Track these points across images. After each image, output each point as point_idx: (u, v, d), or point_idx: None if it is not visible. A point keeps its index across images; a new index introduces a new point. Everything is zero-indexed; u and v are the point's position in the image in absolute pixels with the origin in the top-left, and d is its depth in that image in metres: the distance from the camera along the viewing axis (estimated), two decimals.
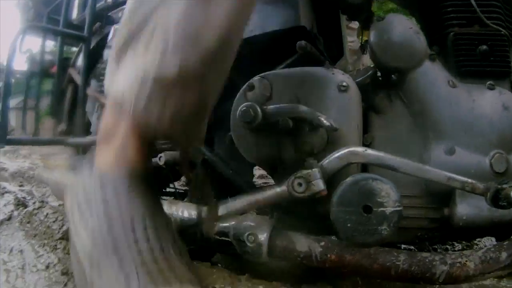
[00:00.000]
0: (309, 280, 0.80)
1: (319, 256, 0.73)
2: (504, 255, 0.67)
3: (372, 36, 0.82)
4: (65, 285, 0.88)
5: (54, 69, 1.35)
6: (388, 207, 0.56)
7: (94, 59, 1.23)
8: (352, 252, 0.71)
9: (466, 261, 0.68)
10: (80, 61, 1.34)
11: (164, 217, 0.64)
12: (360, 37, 1.07)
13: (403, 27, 0.80)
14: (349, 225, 0.57)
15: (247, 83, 0.82)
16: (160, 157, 0.94)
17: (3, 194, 1.35)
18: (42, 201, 1.17)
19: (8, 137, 1.01)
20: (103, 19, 1.19)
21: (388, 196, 0.57)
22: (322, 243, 0.73)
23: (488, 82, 0.80)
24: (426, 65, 0.81)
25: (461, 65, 0.83)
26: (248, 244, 0.75)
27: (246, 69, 0.92)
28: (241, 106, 0.77)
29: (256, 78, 0.81)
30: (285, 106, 0.76)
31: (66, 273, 0.90)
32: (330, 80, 0.77)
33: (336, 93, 0.77)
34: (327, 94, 0.77)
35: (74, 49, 1.45)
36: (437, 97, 0.79)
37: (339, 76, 0.78)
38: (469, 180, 0.68)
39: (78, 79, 1.27)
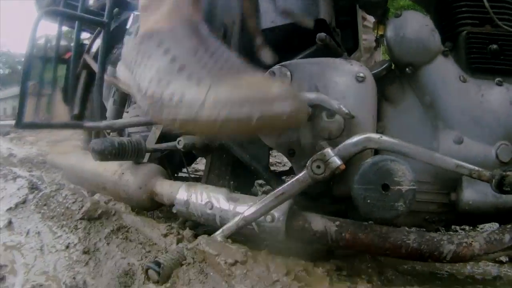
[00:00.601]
0: (323, 257, 0.86)
1: (334, 235, 0.79)
2: (507, 237, 0.74)
3: (389, 31, 0.88)
4: (87, 263, 0.93)
5: (68, 55, 1.40)
6: (404, 185, 0.62)
7: (110, 45, 1.28)
8: (366, 232, 0.78)
9: (472, 241, 0.74)
10: (95, 47, 1.39)
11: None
12: (376, 31, 1.13)
13: (419, 24, 0.87)
14: (368, 201, 0.63)
15: (267, 71, 0.87)
16: (179, 140, 0.99)
17: (15, 178, 1.39)
18: (59, 183, 1.21)
19: (24, 121, 1.05)
20: (121, 4, 1.24)
21: (404, 175, 0.63)
22: (337, 223, 0.80)
23: (497, 79, 0.87)
24: (439, 60, 0.87)
25: (472, 62, 0.89)
26: (267, 223, 0.81)
27: (264, 60, 0.98)
28: None
29: (277, 66, 0.87)
30: (304, 94, 0.82)
31: (87, 252, 0.95)
32: (348, 70, 0.84)
33: (354, 83, 0.83)
34: (345, 84, 0.83)
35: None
36: (448, 91, 0.85)
37: (357, 67, 0.84)
38: (476, 168, 0.74)
39: (93, 65, 1.32)
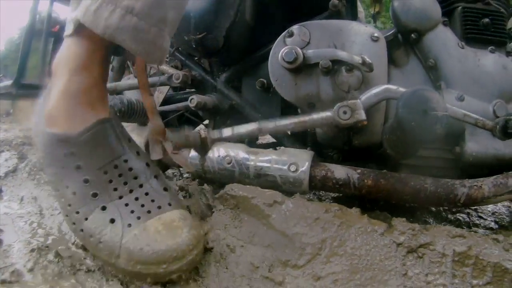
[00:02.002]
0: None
1: (357, 182, 0.85)
2: (511, 181, 0.84)
3: (396, 1, 0.99)
4: None
5: (56, 29, 1.38)
6: (440, 111, 0.71)
7: None
8: (386, 178, 0.85)
9: (482, 184, 0.84)
10: None
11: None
12: (373, 8, 1.25)
13: None
14: (412, 123, 0.70)
15: (286, 30, 0.94)
16: (192, 99, 1.01)
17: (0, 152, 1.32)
18: None
19: (23, 82, 1.03)
20: None
21: (438, 103, 0.71)
22: (359, 171, 0.86)
23: (490, 47, 1.00)
24: (440, 28, 0.99)
25: (467, 32, 1.02)
26: (290, 173, 0.86)
27: (275, 23, 1.05)
28: (283, 49, 0.90)
29: (296, 26, 0.94)
30: (325, 50, 0.90)
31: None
32: (364, 31, 0.93)
33: (370, 42, 0.92)
34: (362, 42, 0.92)
35: None
36: (449, 55, 0.97)
37: (371, 29, 0.94)
38: (480, 118, 0.85)
39: None
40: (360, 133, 0.89)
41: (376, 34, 0.92)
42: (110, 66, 1.21)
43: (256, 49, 1.06)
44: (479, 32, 1.02)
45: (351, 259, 0.74)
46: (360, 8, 1.40)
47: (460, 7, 1.04)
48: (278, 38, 0.95)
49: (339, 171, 0.87)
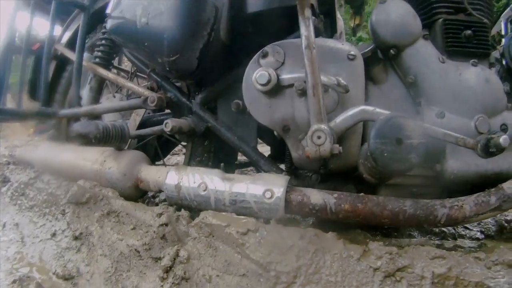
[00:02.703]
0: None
1: (333, 207, 0.85)
2: (493, 198, 0.84)
3: (375, 16, 0.98)
4: (79, 250, 0.92)
5: (36, 46, 1.39)
6: (415, 139, 0.70)
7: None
8: (364, 202, 0.85)
9: (463, 204, 0.84)
10: (65, 37, 1.39)
11: None
12: (353, 21, 1.25)
13: (403, 10, 0.98)
14: (385, 154, 0.70)
15: (260, 51, 0.94)
16: (166, 123, 1.02)
17: None
18: (37, 171, 1.19)
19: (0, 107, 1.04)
20: None
21: (414, 130, 0.71)
22: (335, 195, 0.86)
23: (472, 60, 0.99)
24: (420, 43, 0.98)
25: (449, 45, 1.01)
26: (266, 200, 0.86)
27: (251, 42, 1.05)
28: (257, 71, 0.90)
29: (270, 46, 0.94)
30: (299, 71, 0.89)
31: (78, 237, 0.94)
32: (340, 49, 0.92)
33: (346, 61, 0.92)
34: (338, 61, 0.91)
35: None
36: (429, 70, 0.96)
37: (348, 46, 0.93)
38: (461, 136, 0.84)
39: (67, 52, 1.32)
40: (336, 157, 0.89)
41: (352, 53, 0.92)
42: (88, 87, 1.22)
43: (232, 69, 1.06)
44: (461, 45, 1.02)
45: (327, 286, 0.74)
46: (339, 15, 1.40)
47: (441, 19, 1.03)
48: (252, 59, 0.95)
49: (316, 196, 0.86)
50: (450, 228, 1.24)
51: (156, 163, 1.48)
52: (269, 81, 0.88)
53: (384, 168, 0.72)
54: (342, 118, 0.85)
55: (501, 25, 1.33)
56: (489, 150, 0.79)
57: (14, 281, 0.87)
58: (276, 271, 0.76)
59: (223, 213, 0.87)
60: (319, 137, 0.81)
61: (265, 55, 0.93)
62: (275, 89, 0.90)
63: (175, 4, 0.97)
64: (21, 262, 0.99)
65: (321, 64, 0.91)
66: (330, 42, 0.93)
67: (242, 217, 0.83)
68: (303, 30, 0.81)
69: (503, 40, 1.18)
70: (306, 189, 0.89)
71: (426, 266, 0.75)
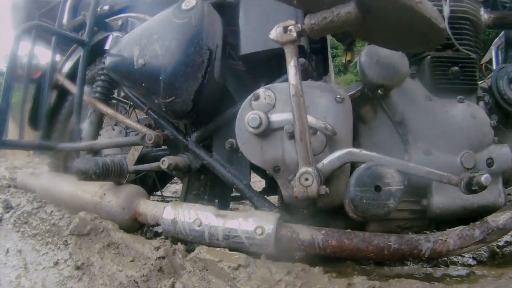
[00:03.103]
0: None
1: (321, 243, 0.91)
2: (477, 232, 0.89)
3: (363, 56, 1.04)
4: (80, 279, 0.99)
5: (38, 74, 1.46)
6: (393, 186, 0.76)
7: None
8: (350, 237, 0.91)
9: (447, 238, 0.89)
10: (66, 67, 1.46)
11: None
12: (344, 57, 1.31)
13: (390, 51, 1.03)
14: (364, 201, 0.76)
15: (252, 94, 1.00)
16: (163, 161, 1.08)
17: None
18: (41, 201, 1.25)
19: (3, 139, 1.10)
20: (99, 25, 1.32)
21: (393, 177, 0.77)
22: (323, 232, 0.92)
23: (459, 97, 1.05)
24: (407, 82, 1.04)
25: (436, 83, 1.07)
26: (257, 236, 0.92)
27: (242, 83, 1.11)
28: (248, 114, 0.96)
29: (261, 89, 1.00)
30: (289, 114, 0.95)
31: (80, 267, 1.00)
32: (328, 92, 0.98)
33: (334, 103, 0.97)
34: (326, 104, 0.97)
35: None
36: (416, 109, 1.02)
37: (336, 89, 0.99)
38: (445, 174, 0.89)
39: (67, 84, 1.39)
40: (323, 196, 0.95)
41: (340, 95, 0.98)
42: (88, 121, 1.28)
43: (226, 108, 1.12)
44: (448, 82, 1.07)
45: None
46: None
47: (429, 56, 1.09)
48: (245, 101, 1.01)
49: (304, 233, 0.92)
50: None
51: (154, 193, 1.55)
52: (260, 124, 0.94)
53: (364, 214, 0.78)
54: (329, 160, 0.91)
55: (492, 53, 1.38)
56: (472, 188, 0.85)
57: None
58: None
59: (216, 248, 0.94)
60: (306, 179, 0.87)
61: (256, 98, 0.99)
62: (266, 132, 0.96)
63: (170, 47, 1.03)
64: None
65: (310, 106, 0.97)
66: (319, 85, 0.99)
67: (234, 252, 0.89)
68: (291, 78, 0.86)
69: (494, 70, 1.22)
70: (295, 225, 0.95)
71: None
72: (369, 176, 0.77)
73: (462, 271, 1.08)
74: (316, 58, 1.27)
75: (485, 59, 1.63)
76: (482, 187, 0.86)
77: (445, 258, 1.28)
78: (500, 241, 1.34)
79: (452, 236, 0.92)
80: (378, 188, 0.77)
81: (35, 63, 1.43)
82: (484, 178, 0.85)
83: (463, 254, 1.31)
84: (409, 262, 1.25)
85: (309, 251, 0.93)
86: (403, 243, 0.91)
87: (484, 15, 1.17)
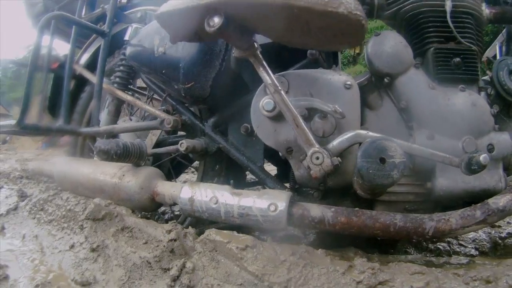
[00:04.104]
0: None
1: (331, 220, 1.02)
2: (478, 212, 1.00)
3: (370, 47, 1.15)
4: (95, 260, 1.10)
5: (55, 65, 1.58)
6: (397, 158, 0.87)
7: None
8: (358, 215, 1.02)
9: (449, 218, 1.00)
10: (84, 58, 1.59)
11: None
12: (353, 50, 1.43)
13: (395, 41, 1.15)
14: (370, 171, 0.87)
15: None
16: (181, 143, 1.19)
17: None
18: (56, 188, 1.36)
19: (26, 122, 1.22)
20: (117, 16, 1.44)
21: (396, 150, 0.88)
22: (333, 209, 1.03)
23: (460, 86, 1.16)
24: (411, 71, 1.16)
25: (439, 73, 1.18)
26: (270, 213, 1.03)
27: (256, 72, 1.22)
28: (263, 98, 1.08)
29: (276, 75, 1.11)
30: (302, 99, 1.07)
31: (95, 249, 1.12)
32: (338, 79, 1.10)
33: (343, 90, 1.09)
34: (335, 90, 1.09)
35: None
36: (420, 96, 1.13)
37: (345, 77, 1.11)
38: (447, 155, 1.00)
39: (86, 74, 1.51)
40: (334, 175, 1.06)
41: (349, 82, 1.09)
42: (106, 110, 1.40)
43: (241, 95, 1.24)
44: (450, 72, 1.18)
45: None
46: None
47: (432, 48, 1.20)
48: (260, 87, 1.12)
49: (315, 210, 1.03)
50: (445, 245, 1.40)
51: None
52: (274, 108, 1.06)
53: (370, 183, 0.89)
54: (338, 141, 1.02)
55: (496, 48, 1.50)
56: (471, 167, 0.96)
57: (37, 286, 1.04)
58: (270, 282, 0.92)
59: (224, 231, 1.05)
60: (317, 158, 0.98)
61: None
62: (280, 115, 1.07)
63: None
64: (42, 270, 1.16)
65: (321, 93, 1.09)
66: (329, 73, 1.11)
67: (242, 234, 1.01)
68: (265, 79, 0.99)
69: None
70: (306, 204, 1.06)
71: (405, 281, 0.90)
72: (374, 149, 0.88)
73: (461, 261, 1.18)
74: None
75: (490, 54, 1.75)
76: (481, 167, 0.97)
77: (448, 248, 1.39)
78: (502, 232, 1.45)
79: (454, 216, 1.03)
80: (383, 160, 0.88)
81: (53, 54, 1.56)
82: (483, 157, 0.96)
83: (465, 244, 1.42)
84: (412, 251, 1.36)
85: (320, 227, 1.04)
86: (408, 221, 1.02)
87: (486, 10, 1.29)
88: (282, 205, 1.04)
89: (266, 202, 1.05)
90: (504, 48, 1.49)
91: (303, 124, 1.00)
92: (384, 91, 1.17)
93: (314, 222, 1.03)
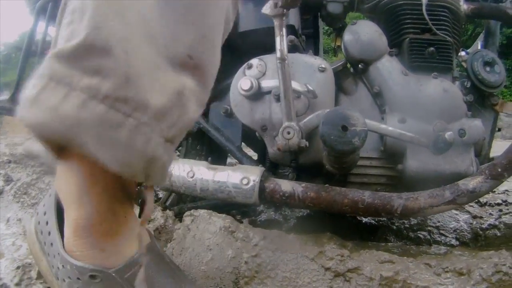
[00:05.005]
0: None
1: (300, 195, 1.10)
2: (447, 193, 1.07)
3: (346, 35, 1.26)
4: None
5: (49, 52, 1.70)
6: (358, 127, 0.95)
7: None
8: (327, 191, 1.09)
9: (418, 196, 1.07)
10: None
11: None
12: (334, 42, 1.53)
13: (370, 30, 1.25)
14: (332, 137, 0.95)
15: (246, 63, 1.22)
16: None
17: None
18: (39, 172, 1.47)
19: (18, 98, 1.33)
20: None
21: (358, 119, 0.96)
22: (303, 185, 1.11)
23: (433, 73, 1.24)
24: (385, 58, 1.25)
25: (413, 61, 1.27)
26: (243, 186, 1.12)
27: (240, 55, 1.33)
28: (242, 79, 1.18)
29: (255, 59, 1.22)
30: (276, 80, 1.16)
31: None
32: (313, 63, 1.20)
33: (317, 72, 1.18)
34: (310, 73, 1.18)
35: None
36: (392, 82, 1.22)
37: (319, 60, 1.21)
38: (416, 136, 1.08)
39: None
40: (305, 152, 1.14)
41: (322, 65, 1.19)
42: None
43: (222, 79, 1.34)
44: (424, 60, 1.27)
45: (282, 281, 0.97)
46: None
47: (408, 38, 1.30)
48: (239, 70, 1.23)
49: (286, 185, 1.12)
50: (426, 233, 1.46)
51: None
52: (251, 88, 1.16)
53: (331, 149, 0.97)
54: (309, 118, 1.11)
55: (477, 46, 1.58)
56: (438, 145, 1.03)
57: (17, 267, 1.12)
58: (240, 266, 0.99)
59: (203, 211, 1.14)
60: (288, 133, 1.07)
61: (250, 67, 1.21)
62: (256, 95, 1.17)
63: None
64: (24, 252, 1.24)
65: (296, 75, 1.19)
66: (304, 57, 1.21)
67: (219, 217, 1.10)
68: (277, 44, 1.08)
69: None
70: (278, 179, 1.14)
71: (375, 269, 0.95)
72: (336, 117, 0.97)
73: (442, 250, 1.23)
74: (308, 42, 1.50)
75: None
76: (448, 144, 1.04)
77: (428, 237, 1.44)
78: (483, 223, 1.51)
79: (423, 195, 1.10)
80: (344, 128, 0.96)
81: (48, 39, 1.69)
82: (448, 135, 1.04)
83: (446, 234, 1.47)
84: (393, 239, 1.42)
85: (290, 202, 1.12)
86: (376, 198, 1.09)
87: (464, 5, 1.39)
88: (254, 178, 1.12)
89: (239, 175, 1.13)
90: (482, 43, 1.58)
91: (291, 98, 1.08)
92: (359, 77, 1.27)
93: (285, 197, 1.11)
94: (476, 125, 1.20)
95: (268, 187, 1.12)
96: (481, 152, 1.26)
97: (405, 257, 1.01)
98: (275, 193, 1.12)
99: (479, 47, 1.59)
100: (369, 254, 1.01)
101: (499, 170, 1.10)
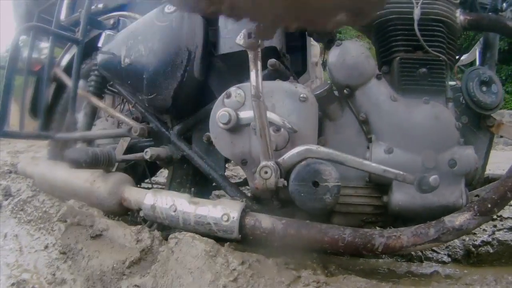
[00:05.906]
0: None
1: (280, 232, 1.13)
2: (432, 230, 1.08)
3: (330, 58, 1.24)
4: (65, 261, 1.25)
5: (38, 67, 1.73)
6: (330, 182, 0.96)
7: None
8: (307, 228, 1.12)
9: (400, 234, 1.09)
10: (64, 61, 1.73)
11: None
12: (323, 56, 1.51)
13: (356, 52, 1.23)
14: (302, 195, 0.97)
15: (225, 92, 1.22)
16: (146, 151, 1.32)
17: None
18: (35, 190, 1.53)
19: (4, 129, 1.37)
20: (92, 23, 1.57)
21: (330, 174, 0.97)
22: (283, 221, 1.14)
23: (424, 98, 1.22)
24: (372, 82, 1.23)
25: (403, 83, 1.25)
26: (223, 222, 1.15)
27: (223, 80, 1.33)
28: (219, 111, 1.18)
29: (233, 88, 1.22)
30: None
31: (64, 252, 1.27)
32: (293, 92, 1.19)
33: (298, 102, 1.18)
34: (290, 103, 1.18)
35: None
36: (379, 109, 1.21)
37: (300, 89, 1.20)
38: (401, 172, 1.08)
39: (64, 77, 1.65)
40: (284, 189, 1.16)
41: (303, 95, 1.18)
42: (83, 112, 1.54)
43: (206, 103, 1.35)
44: (415, 83, 1.25)
45: None
46: (313, 42, 1.65)
47: (398, 58, 1.27)
48: (218, 99, 1.23)
49: (266, 221, 1.14)
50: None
51: (145, 181, 1.82)
52: (229, 121, 1.17)
53: (302, 206, 0.99)
54: (289, 155, 1.12)
55: (475, 53, 1.53)
56: (422, 187, 1.03)
57: (12, 284, 1.20)
58: None
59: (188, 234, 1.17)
60: (266, 172, 1.09)
61: (228, 96, 1.21)
62: (235, 127, 1.18)
63: (153, 48, 1.27)
64: (19, 269, 1.32)
65: (276, 105, 1.19)
66: (285, 85, 1.20)
67: (201, 241, 1.13)
68: (252, 80, 1.07)
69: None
70: (259, 214, 1.17)
71: None
72: (307, 172, 0.98)
73: (427, 269, 1.26)
74: (294, 56, 1.48)
75: (469, 59, 1.77)
76: (431, 188, 1.04)
77: (420, 254, 1.47)
78: (476, 240, 1.52)
79: (406, 233, 1.11)
80: (316, 184, 0.97)
81: (35, 56, 1.71)
82: (432, 179, 1.03)
83: (438, 251, 1.49)
84: (384, 256, 1.45)
85: (270, 238, 1.15)
86: (357, 236, 1.11)
87: (460, 16, 1.33)
88: (234, 215, 1.15)
89: (220, 212, 1.16)
90: (480, 57, 1.52)
91: (268, 136, 1.09)
92: (345, 102, 1.26)
93: (265, 233, 1.14)
94: (468, 155, 1.19)
95: (248, 223, 1.15)
96: (472, 182, 1.25)
97: (384, 283, 1.04)
98: (255, 229, 1.15)
99: (477, 56, 1.55)
100: (346, 281, 1.04)
101: (489, 206, 1.09)
